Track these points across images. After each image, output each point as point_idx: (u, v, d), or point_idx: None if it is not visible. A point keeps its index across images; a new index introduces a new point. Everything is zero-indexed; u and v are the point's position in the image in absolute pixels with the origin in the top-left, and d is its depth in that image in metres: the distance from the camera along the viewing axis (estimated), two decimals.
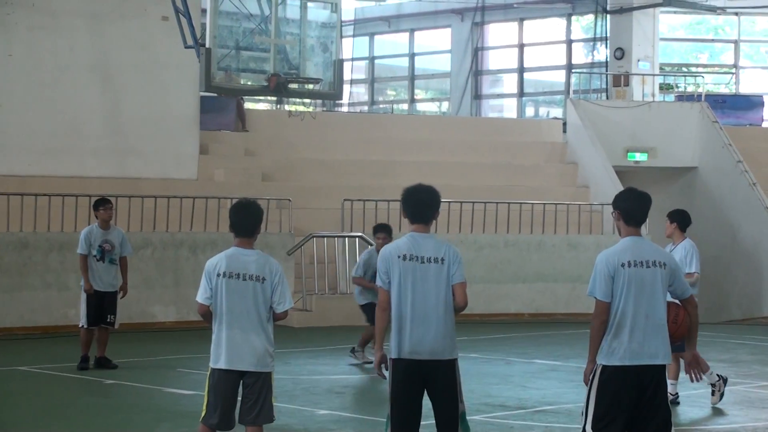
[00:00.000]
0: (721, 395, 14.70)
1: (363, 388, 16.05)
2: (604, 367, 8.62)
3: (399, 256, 9.21)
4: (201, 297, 9.68)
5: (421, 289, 9.17)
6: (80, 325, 17.59)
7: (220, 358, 9.64)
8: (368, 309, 17.60)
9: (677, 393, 14.72)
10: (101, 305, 17.38)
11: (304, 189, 28.01)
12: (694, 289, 14.76)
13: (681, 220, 15.10)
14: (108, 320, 17.51)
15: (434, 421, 9.28)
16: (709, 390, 14.82)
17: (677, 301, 8.93)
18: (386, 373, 9.31)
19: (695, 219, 30.42)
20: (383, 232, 17.84)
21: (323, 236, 25.72)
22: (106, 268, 17.39)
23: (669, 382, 14.47)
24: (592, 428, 8.60)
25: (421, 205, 9.40)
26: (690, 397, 15.04)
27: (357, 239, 25.60)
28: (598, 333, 8.68)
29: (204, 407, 9.73)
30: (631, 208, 8.94)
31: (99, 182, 25.00)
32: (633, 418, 8.58)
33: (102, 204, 17.65)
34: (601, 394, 8.61)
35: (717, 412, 14.56)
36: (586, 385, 8.73)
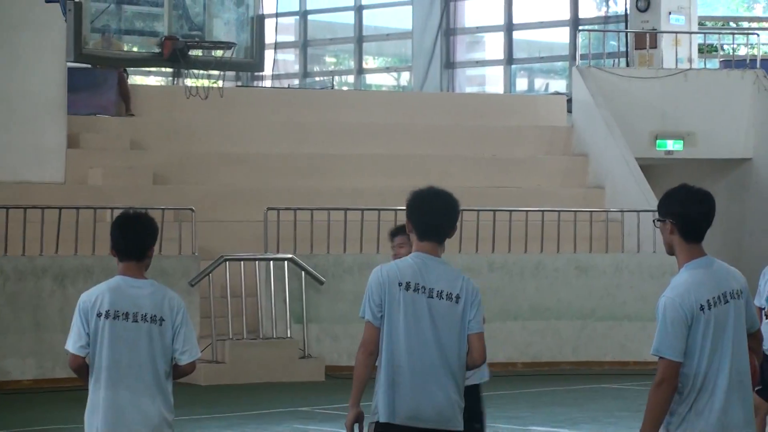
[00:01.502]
0: None
1: None
2: None
3: (401, 284, 9.05)
4: (73, 346, 9.63)
5: (429, 332, 9.09)
6: None
7: (101, 427, 9.64)
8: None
9: None
10: None
11: (213, 194, 28.07)
12: None
13: None
14: None
15: None
16: None
17: None
18: None
19: (749, 223, 30.86)
20: (403, 235, 15.53)
21: (239, 259, 25.75)
22: None
23: None
24: None
25: (436, 214, 9.28)
26: None
27: (286, 263, 25.64)
28: (665, 405, 8.29)
29: None
30: (692, 214, 8.49)
31: None
32: None
33: None
34: None
35: None
36: None
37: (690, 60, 35.83)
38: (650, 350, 8.44)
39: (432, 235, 9.24)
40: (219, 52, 23.09)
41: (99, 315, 9.55)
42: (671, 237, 8.52)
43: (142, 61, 25.42)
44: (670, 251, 8.60)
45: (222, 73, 30.21)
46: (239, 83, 36.64)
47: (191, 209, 26.19)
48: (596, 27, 38.32)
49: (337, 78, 45.57)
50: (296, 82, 44.75)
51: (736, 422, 8.37)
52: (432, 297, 9.06)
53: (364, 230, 26.23)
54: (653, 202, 26.40)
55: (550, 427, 19.75)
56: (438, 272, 9.14)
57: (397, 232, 15.56)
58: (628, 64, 35.39)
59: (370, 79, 45.01)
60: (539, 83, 41.99)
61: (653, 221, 9.00)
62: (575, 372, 26.43)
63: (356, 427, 9.11)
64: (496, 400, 22.52)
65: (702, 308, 8.31)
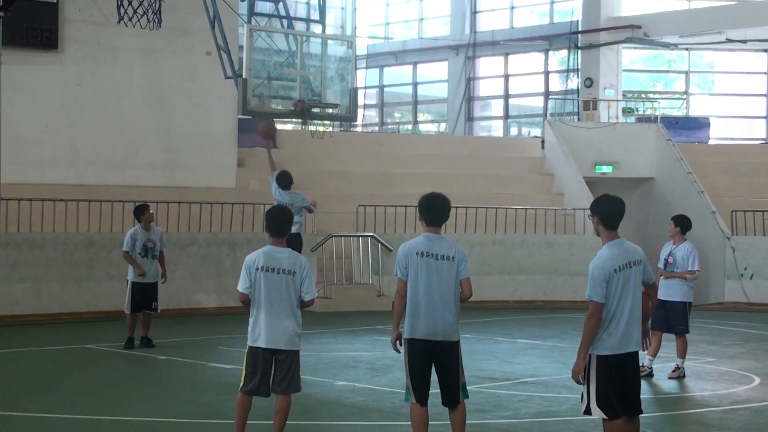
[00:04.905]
0: (678, 377, 14.87)
1: (373, 363, 16.08)
2: (599, 357, 8.42)
3: (417, 253, 9.29)
4: (242, 287, 9.71)
5: (436, 282, 9.23)
6: (125, 312, 17.71)
7: (257, 338, 9.66)
8: None
9: (652, 367, 14.89)
10: (144, 294, 17.47)
11: (325, 196, 27.97)
12: (692, 282, 15.03)
13: (683, 224, 15.28)
14: (153, 307, 17.60)
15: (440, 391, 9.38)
16: (672, 367, 15.04)
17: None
18: (400, 349, 9.35)
19: (652, 223, 30.71)
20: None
21: (341, 236, 25.77)
22: (149, 262, 17.50)
23: (647, 358, 14.73)
24: (597, 405, 8.44)
25: (436, 210, 9.48)
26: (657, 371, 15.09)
27: (369, 238, 25.65)
28: (593, 330, 8.39)
29: (242, 379, 9.79)
30: (610, 212, 8.60)
31: (153, 190, 25.05)
32: (621, 391, 8.54)
33: (145, 209, 17.79)
34: (600, 379, 8.43)
35: (674, 383, 14.63)
36: (575, 380, 8.50)
37: (617, 117, 35.66)
38: (585, 295, 8.53)
39: (435, 222, 9.46)
40: (330, 110, 22.99)
41: (257, 269, 9.62)
42: (597, 226, 8.69)
43: (283, 115, 25.30)
44: (597, 235, 8.75)
45: (331, 122, 30.15)
46: (342, 129, 36.55)
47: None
48: (559, 96, 38.11)
49: (401, 126, 45.44)
50: (376, 128, 44.66)
51: (633, 339, 8.52)
52: (437, 259, 9.25)
53: (416, 219, 26.14)
54: None
55: (529, 340, 19.63)
56: (440, 244, 9.32)
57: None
58: (579, 119, 35.18)
59: (422, 127, 44.85)
60: (524, 130, 41.75)
61: (588, 216, 9.07)
62: (544, 307, 26.30)
63: (398, 342, 9.35)
64: (497, 323, 22.47)
65: (615, 270, 8.45)
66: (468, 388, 9.55)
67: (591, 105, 35.48)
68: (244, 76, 21.75)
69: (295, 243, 15.88)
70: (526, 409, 12.57)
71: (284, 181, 18.58)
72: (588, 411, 8.55)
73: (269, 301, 9.62)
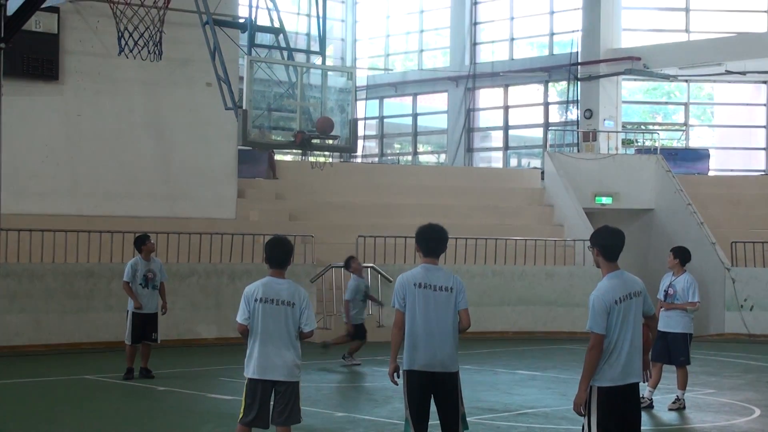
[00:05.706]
0: (678, 408, 14.86)
1: (373, 394, 16.06)
2: (600, 388, 8.35)
3: (415, 284, 9.26)
4: (240, 318, 9.71)
5: (433, 313, 9.20)
6: (126, 342, 17.68)
7: (256, 370, 9.65)
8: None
9: (652, 399, 14.89)
10: (144, 325, 17.46)
11: (325, 227, 28.06)
12: (692, 314, 15.06)
13: (682, 256, 15.35)
14: (152, 337, 17.59)
15: (439, 422, 9.32)
16: (673, 399, 15.01)
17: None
18: (398, 381, 9.32)
19: (652, 254, 30.69)
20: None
21: (340, 266, 25.70)
22: (150, 293, 17.50)
23: (648, 389, 14.72)
24: None
25: (433, 241, 9.46)
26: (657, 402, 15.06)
27: (369, 269, 25.61)
28: (594, 362, 8.33)
29: (241, 410, 9.77)
30: (609, 244, 8.57)
31: (153, 221, 25.04)
32: (621, 423, 8.49)
33: (146, 239, 17.75)
34: (601, 411, 8.36)
35: (674, 415, 14.61)
36: (577, 412, 8.44)
37: (616, 148, 35.78)
38: (586, 327, 8.50)
39: (432, 253, 9.45)
40: (330, 141, 23.01)
41: (256, 300, 9.62)
42: (597, 258, 8.65)
43: (283, 146, 25.36)
44: (597, 266, 8.70)
45: (331, 153, 30.17)
46: (342, 160, 36.58)
47: (312, 236, 26.21)
48: (559, 128, 38.16)
49: (401, 157, 45.49)
50: (376, 159, 44.73)
51: (634, 371, 8.46)
52: (435, 291, 9.23)
53: (416, 250, 26.11)
54: None
55: (529, 371, 19.60)
56: (437, 275, 9.31)
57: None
58: (578, 150, 35.26)
59: (422, 158, 44.92)
60: (524, 162, 41.82)
61: (588, 247, 9.03)
62: (544, 338, 26.27)
63: (395, 375, 9.33)
64: (497, 354, 22.44)
65: (616, 302, 8.40)
66: (468, 419, 9.52)
67: (591, 136, 35.56)
68: (244, 107, 21.79)
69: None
70: None
71: None
72: None
73: (268, 333, 9.60)
